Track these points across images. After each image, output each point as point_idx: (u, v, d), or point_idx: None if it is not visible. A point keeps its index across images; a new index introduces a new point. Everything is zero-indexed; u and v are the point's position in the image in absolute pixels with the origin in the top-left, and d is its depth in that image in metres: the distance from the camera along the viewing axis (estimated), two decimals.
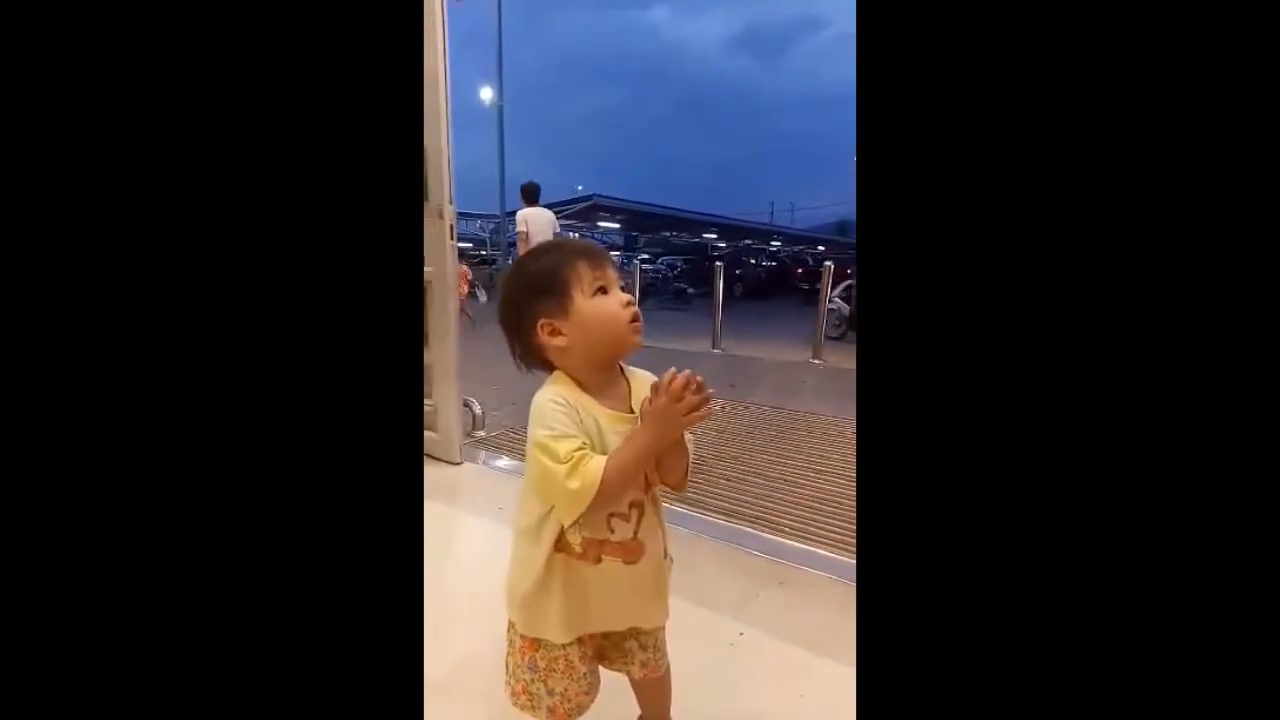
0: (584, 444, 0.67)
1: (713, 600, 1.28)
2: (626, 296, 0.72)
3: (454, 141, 1.92)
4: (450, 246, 1.97)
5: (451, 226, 1.95)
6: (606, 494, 0.65)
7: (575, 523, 0.68)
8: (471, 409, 2.37)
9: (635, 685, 0.87)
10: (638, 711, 0.89)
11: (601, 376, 0.73)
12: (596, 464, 0.65)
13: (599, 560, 0.71)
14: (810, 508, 1.82)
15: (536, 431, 0.68)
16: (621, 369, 0.75)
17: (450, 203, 1.94)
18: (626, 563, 0.72)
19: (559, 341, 0.70)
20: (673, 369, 0.65)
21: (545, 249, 0.78)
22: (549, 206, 6.35)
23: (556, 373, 0.73)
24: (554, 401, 0.69)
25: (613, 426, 0.70)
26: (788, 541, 1.56)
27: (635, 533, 0.72)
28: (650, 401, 0.66)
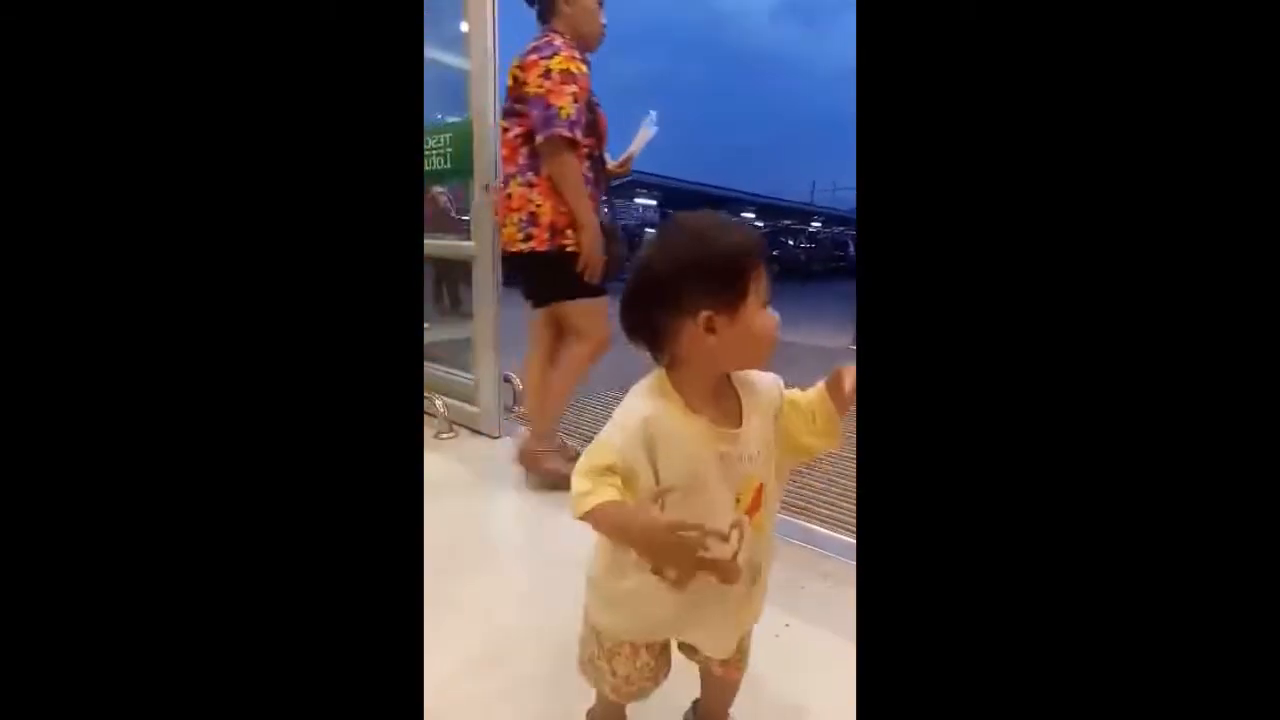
0: (615, 475, 0.61)
1: None
2: (776, 316, 0.64)
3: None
4: (494, 222, 1.93)
5: (496, 203, 1.89)
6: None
7: None
8: (512, 384, 2.39)
9: (705, 676, 0.83)
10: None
11: (716, 387, 0.66)
12: (600, 505, 0.59)
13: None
14: (851, 499, 1.80)
15: (609, 433, 0.62)
16: (729, 376, 0.68)
17: (497, 178, 1.90)
18: (722, 582, 0.64)
19: (709, 340, 0.60)
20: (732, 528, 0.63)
21: (723, 226, 0.63)
22: None
23: (661, 376, 0.65)
24: (643, 422, 0.61)
25: (714, 446, 0.63)
26: (830, 533, 1.55)
27: (735, 554, 0.66)
28: (659, 526, 0.58)
